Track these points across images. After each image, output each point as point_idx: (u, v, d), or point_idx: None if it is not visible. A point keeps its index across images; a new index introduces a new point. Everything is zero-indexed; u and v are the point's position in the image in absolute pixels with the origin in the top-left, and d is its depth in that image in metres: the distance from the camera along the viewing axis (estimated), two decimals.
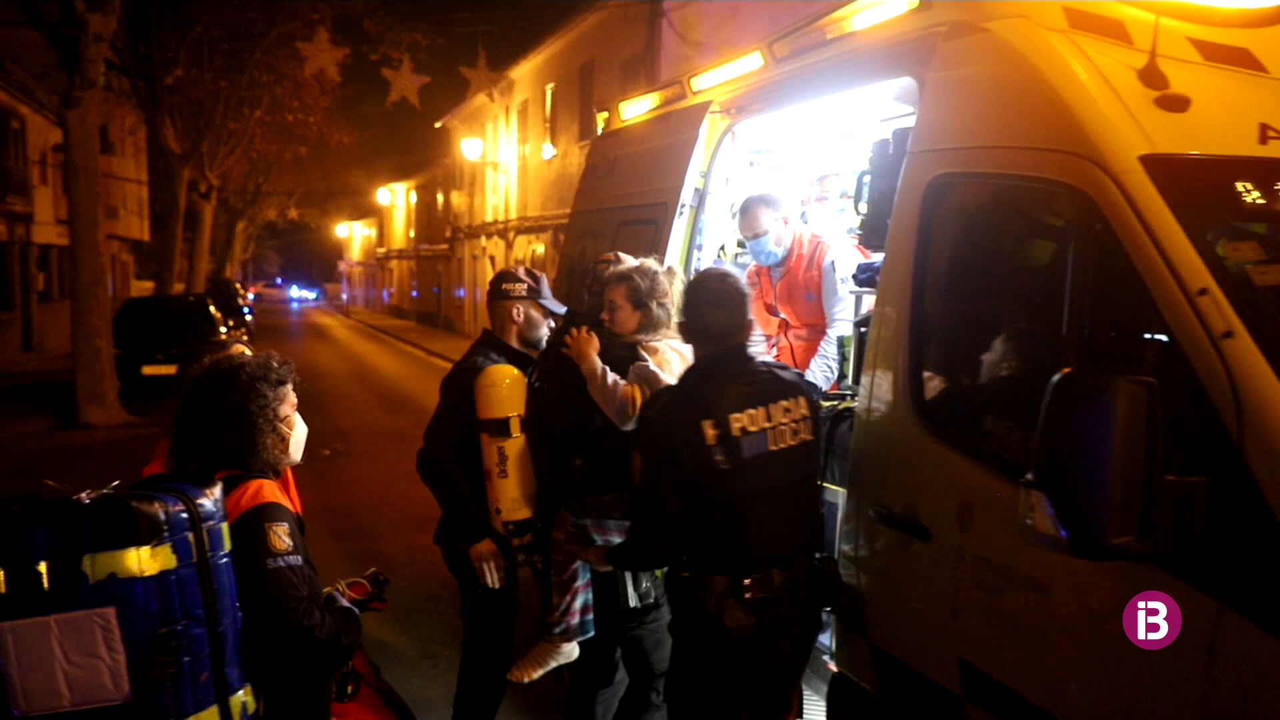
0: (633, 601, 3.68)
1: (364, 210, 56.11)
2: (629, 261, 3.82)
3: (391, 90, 18.06)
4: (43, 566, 2.20)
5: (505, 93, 27.09)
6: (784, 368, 3.33)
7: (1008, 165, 2.85)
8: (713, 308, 3.14)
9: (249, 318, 27.41)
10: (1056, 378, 2.16)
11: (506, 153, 28.19)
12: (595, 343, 3.65)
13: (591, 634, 3.74)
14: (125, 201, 34.10)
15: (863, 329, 3.90)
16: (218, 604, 2.30)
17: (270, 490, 2.52)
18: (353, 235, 65.19)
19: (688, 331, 3.25)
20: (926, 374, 3.04)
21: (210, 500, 2.34)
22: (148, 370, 16.74)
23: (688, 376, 3.24)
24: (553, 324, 4.15)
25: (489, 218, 29.95)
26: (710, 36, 17.28)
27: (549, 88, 24.42)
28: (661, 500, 3.03)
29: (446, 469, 3.91)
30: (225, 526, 2.37)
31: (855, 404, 3.72)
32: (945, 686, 2.82)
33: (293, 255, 78.32)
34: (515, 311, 4.08)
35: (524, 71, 25.62)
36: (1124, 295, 2.42)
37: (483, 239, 30.83)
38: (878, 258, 4.01)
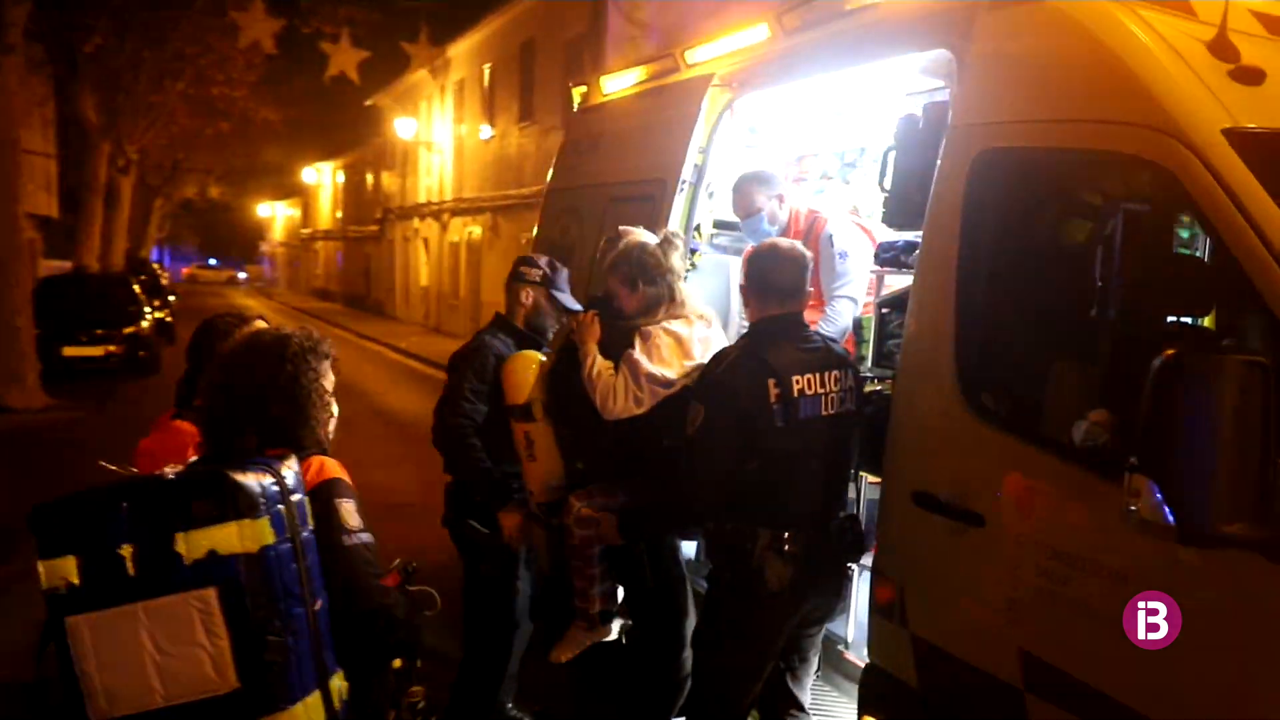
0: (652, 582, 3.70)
1: (288, 189, 54.59)
2: (621, 241, 3.73)
3: (330, 65, 17.46)
4: (127, 550, 1.98)
5: (441, 71, 26.53)
6: (834, 340, 3.44)
7: (1068, 140, 2.76)
8: (782, 269, 3.28)
9: (172, 298, 26.39)
10: (1160, 358, 2.07)
11: (441, 132, 27.63)
12: (596, 330, 3.62)
13: (613, 623, 3.70)
14: (33, 176, 32.47)
15: (885, 310, 3.80)
16: (311, 582, 2.12)
17: (333, 466, 2.34)
18: (275, 215, 63.45)
19: (754, 291, 3.31)
20: (977, 357, 2.93)
21: (291, 473, 2.16)
22: (69, 351, 15.99)
23: (754, 335, 3.31)
24: (563, 319, 4.07)
25: (422, 199, 29.36)
26: (656, 18, 17.11)
27: (486, 67, 23.97)
28: (713, 451, 3.14)
29: (466, 440, 3.87)
30: (306, 500, 2.19)
31: (880, 387, 3.65)
32: (1001, 678, 2.73)
33: (211, 235, 75.87)
34: (524, 294, 4.09)
35: (461, 50, 25.09)
36: (1211, 272, 2.34)
37: (415, 220, 30.22)
38: (893, 236, 3.94)
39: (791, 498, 3.18)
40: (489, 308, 24.20)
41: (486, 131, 23.63)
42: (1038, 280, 2.87)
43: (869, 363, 3.83)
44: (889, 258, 3.76)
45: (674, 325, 3.55)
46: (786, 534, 3.12)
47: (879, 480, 3.84)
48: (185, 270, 65.26)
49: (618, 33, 17.51)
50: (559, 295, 4.06)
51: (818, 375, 3.18)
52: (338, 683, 2.20)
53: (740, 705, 3.37)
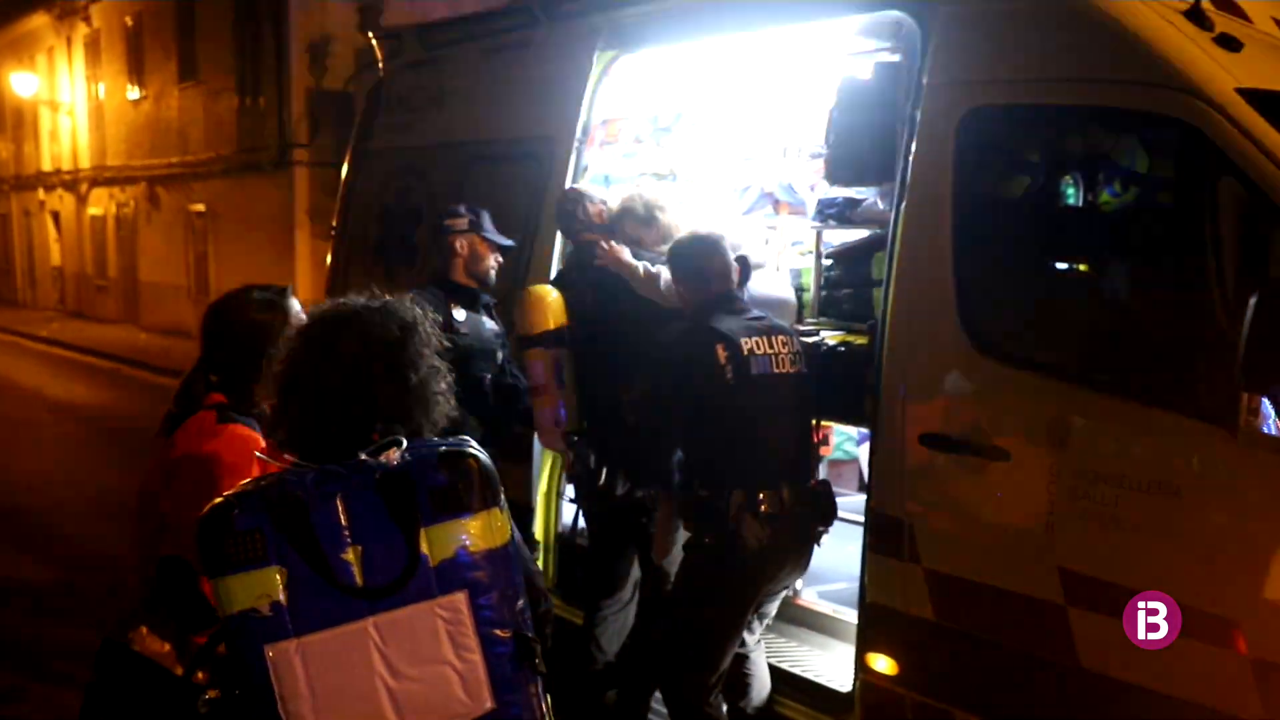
0: None
1: None
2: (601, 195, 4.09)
3: None
4: (352, 553, 1.59)
5: (67, 20, 23.20)
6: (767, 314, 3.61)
7: (1073, 97, 2.98)
8: (710, 254, 3.46)
9: None
10: (1263, 288, 2.33)
11: (72, 91, 24.19)
12: (625, 249, 3.79)
13: None
14: None
15: (828, 262, 3.93)
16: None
17: None
18: None
19: (689, 280, 3.47)
20: (987, 306, 3.10)
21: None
22: None
23: (697, 312, 3.45)
24: (499, 258, 4.08)
25: (47, 167, 25.60)
26: None
27: (128, 19, 21.26)
28: (666, 423, 3.40)
29: None
30: None
31: (833, 340, 3.78)
32: (1039, 597, 2.93)
33: None
34: (459, 244, 4.05)
35: None
36: (1245, 222, 2.64)
37: (40, 192, 26.34)
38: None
39: (761, 457, 3.30)
40: (148, 287, 21.76)
41: (135, 93, 21.04)
42: (1050, 230, 3.09)
43: (810, 313, 3.95)
44: (832, 213, 3.88)
45: None
46: (761, 494, 3.23)
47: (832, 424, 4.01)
48: None
49: None
50: (490, 235, 4.07)
51: (765, 338, 3.34)
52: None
53: (718, 665, 3.41)
